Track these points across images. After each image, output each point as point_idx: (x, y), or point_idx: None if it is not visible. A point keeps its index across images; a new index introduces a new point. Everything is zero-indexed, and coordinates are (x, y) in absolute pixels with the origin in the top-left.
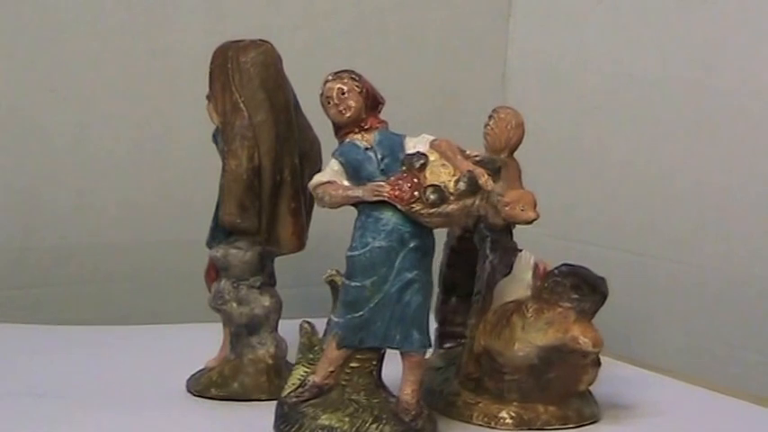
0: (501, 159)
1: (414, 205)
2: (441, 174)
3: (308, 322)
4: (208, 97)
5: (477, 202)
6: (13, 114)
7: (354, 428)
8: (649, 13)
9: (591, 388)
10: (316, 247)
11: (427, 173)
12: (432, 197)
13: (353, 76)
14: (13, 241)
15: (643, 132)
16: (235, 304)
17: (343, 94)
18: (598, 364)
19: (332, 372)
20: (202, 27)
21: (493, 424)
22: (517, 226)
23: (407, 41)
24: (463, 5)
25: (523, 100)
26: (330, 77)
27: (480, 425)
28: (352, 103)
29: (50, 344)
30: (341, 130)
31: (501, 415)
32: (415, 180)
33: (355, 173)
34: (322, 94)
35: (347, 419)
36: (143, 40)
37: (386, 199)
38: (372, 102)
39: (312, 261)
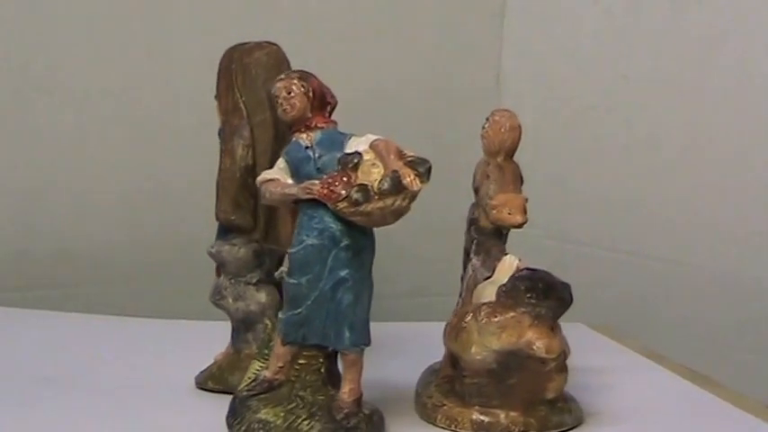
0: (488, 161)
1: (339, 204)
2: (371, 173)
3: (271, 319)
4: (216, 97)
5: (398, 202)
6: (12, 117)
7: (287, 423)
8: (643, 13)
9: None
10: None
11: (359, 172)
12: (355, 196)
13: (302, 76)
14: (13, 243)
15: (638, 133)
16: (231, 300)
17: (289, 93)
18: (563, 371)
19: (281, 367)
20: (200, 29)
21: (454, 427)
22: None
23: (402, 43)
24: (457, 7)
25: (518, 101)
26: (281, 77)
27: (443, 427)
28: (296, 102)
29: (82, 332)
30: (290, 128)
31: (461, 418)
32: (345, 179)
33: (296, 171)
34: (272, 93)
35: (282, 414)
36: (141, 42)
37: (316, 197)
38: (319, 102)
39: None
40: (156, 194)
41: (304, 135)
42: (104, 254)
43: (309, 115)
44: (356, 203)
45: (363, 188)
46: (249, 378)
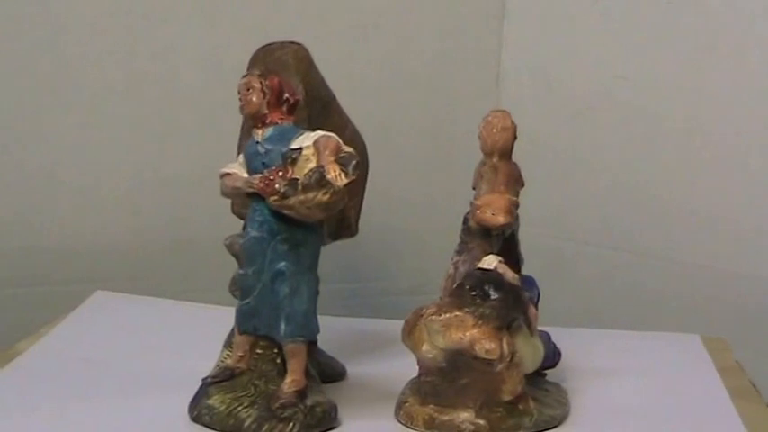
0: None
1: (272, 197)
2: (305, 168)
3: None
4: None
5: (319, 196)
6: (15, 115)
7: (228, 410)
8: (642, 15)
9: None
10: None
11: (296, 167)
12: (283, 189)
13: (262, 74)
14: (15, 240)
15: (636, 133)
16: None
17: (248, 90)
18: (517, 373)
19: (241, 356)
20: (202, 29)
21: (410, 424)
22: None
23: (402, 43)
24: (457, 8)
25: (518, 102)
26: (244, 74)
27: (402, 424)
28: (252, 99)
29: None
30: (253, 123)
31: (416, 416)
32: (281, 173)
33: (249, 165)
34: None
35: (228, 401)
36: (143, 41)
37: (256, 190)
38: (276, 99)
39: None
40: (160, 191)
41: (260, 131)
42: (109, 251)
43: (266, 111)
44: (284, 197)
45: (293, 182)
46: (217, 366)
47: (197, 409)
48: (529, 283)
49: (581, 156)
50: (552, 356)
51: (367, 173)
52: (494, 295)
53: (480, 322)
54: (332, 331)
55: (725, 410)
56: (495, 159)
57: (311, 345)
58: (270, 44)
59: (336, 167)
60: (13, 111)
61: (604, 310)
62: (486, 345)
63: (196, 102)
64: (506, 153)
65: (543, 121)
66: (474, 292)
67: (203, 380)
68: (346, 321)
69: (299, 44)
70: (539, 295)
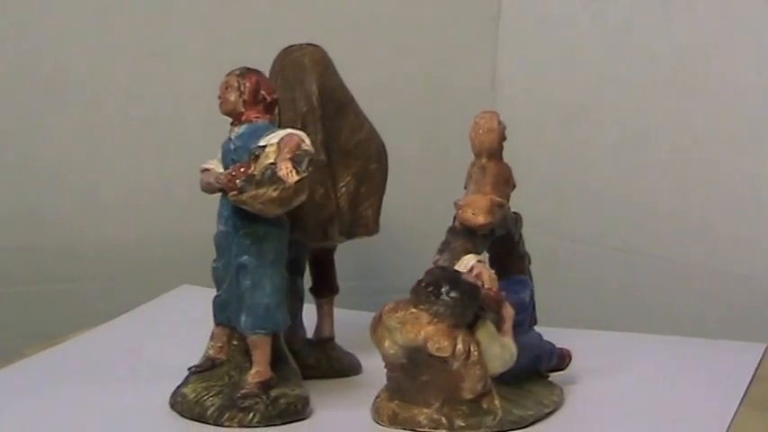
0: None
1: (231, 192)
2: (263, 165)
3: None
4: None
5: (269, 192)
6: (17, 114)
7: (197, 398)
8: (636, 16)
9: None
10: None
11: (257, 164)
12: (240, 185)
13: (241, 73)
14: (17, 239)
15: (630, 134)
16: None
17: (227, 88)
18: (477, 371)
19: (221, 347)
20: (204, 29)
21: (377, 419)
22: None
23: (398, 46)
24: (453, 10)
25: (513, 103)
26: (228, 73)
27: (372, 418)
28: (229, 97)
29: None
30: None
31: (382, 411)
32: (242, 169)
33: (223, 161)
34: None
35: (198, 390)
36: (146, 41)
37: (222, 186)
38: (252, 98)
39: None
40: (161, 191)
41: (235, 128)
42: (110, 250)
43: (242, 110)
44: (240, 192)
45: (250, 178)
46: (203, 356)
47: (174, 397)
48: (521, 283)
49: (576, 156)
50: (549, 358)
51: (386, 173)
52: (448, 293)
53: (435, 320)
54: (349, 326)
55: (718, 416)
56: (483, 160)
57: (328, 341)
58: (290, 46)
59: (289, 164)
60: (15, 111)
61: (601, 310)
62: (437, 342)
63: (198, 102)
64: (494, 154)
65: (539, 123)
66: (429, 290)
67: (188, 369)
68: (364, 316)
69: (316, 46)
70: (532, 295)
